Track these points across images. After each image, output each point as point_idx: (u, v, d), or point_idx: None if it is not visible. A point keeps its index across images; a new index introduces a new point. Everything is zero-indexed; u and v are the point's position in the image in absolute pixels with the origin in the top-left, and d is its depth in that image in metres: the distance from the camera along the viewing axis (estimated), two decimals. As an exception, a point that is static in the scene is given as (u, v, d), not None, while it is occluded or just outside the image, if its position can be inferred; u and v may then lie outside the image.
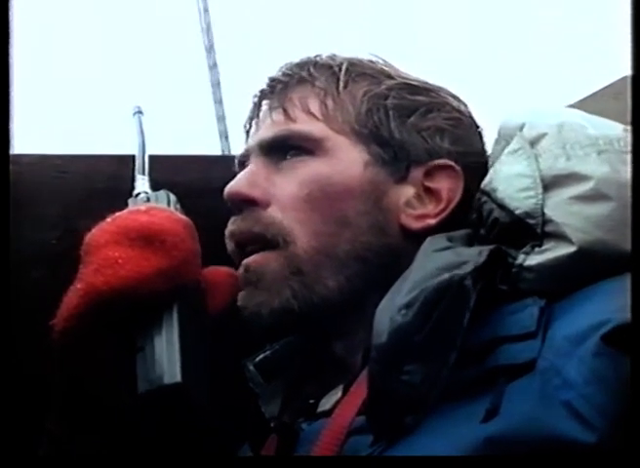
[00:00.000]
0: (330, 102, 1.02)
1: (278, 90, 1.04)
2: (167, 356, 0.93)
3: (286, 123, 1.02)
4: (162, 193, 1.05)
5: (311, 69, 1.04)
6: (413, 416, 0.82)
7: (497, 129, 1.01)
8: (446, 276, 0.84)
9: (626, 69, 0.72)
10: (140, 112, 1.15)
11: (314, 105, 1.02)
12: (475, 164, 1.01)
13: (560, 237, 0.88)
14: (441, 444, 0.80)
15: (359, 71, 1.04)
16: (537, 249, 0.89)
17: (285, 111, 1.02)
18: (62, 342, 0.94)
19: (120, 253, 0.94)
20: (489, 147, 1.04)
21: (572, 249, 0.87)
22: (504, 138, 0.98)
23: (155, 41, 1.58)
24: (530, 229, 0.89)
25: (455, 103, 1.05)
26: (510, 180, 0.92)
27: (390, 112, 1.00)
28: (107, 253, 0.94)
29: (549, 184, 0.90)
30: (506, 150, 0.96)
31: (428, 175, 1.00)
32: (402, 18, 1.83)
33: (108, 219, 0.99)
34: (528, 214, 0.90)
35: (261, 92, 1.07)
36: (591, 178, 0.89)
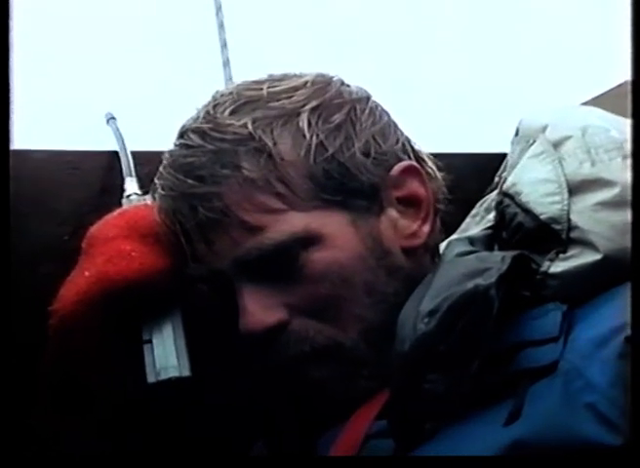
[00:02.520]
0: (280, 187, 0.90)
1: (200, 194, 0.90)
2: (176, 350, 0.94)
3: (256, 234, 0.89)
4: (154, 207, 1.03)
5: (227, 157, 0.90)
6: (434, 423, 0.82)
7: (516, 127, 0.99)
8: (470, 285, 0.82)
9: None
10: (112, 118, 1.17)
11: (270, 200, 0.90)
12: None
13: (586, 244, 0.87)
14: (464, 448, 0.79)
15: (266, 124, 0.91)
16: (561, 255, 0.87)
17: (244, 223, 0.89)
18: (63, 327, 0.94)
19: (133, 247, 0.95)
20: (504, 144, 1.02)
21: (597, 256, 0.86)
22: (525, 139, 0.96)
23: (169, 37, 1.58)
24: (555, 235, 0.88)
25: (346, 91, 0.97)
26: (535, 185, 0.91)
27: (341, 159, 0.92)
28: (119, 245, 0.95)
29: (574, 189, 0.89)
30: (529, 153, 0.94)
31: (394, 187, 0.94)
32: (408, 15, 1.83)
33: (114, 214, 1.00)
34: (553, 220, 0.88)
35: (174, 191, 0.92)
36: (617, 184, 0.88)
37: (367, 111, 0.95)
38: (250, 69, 1.11)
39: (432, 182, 0.97)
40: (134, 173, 1.10)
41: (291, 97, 0.93)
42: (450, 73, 1.75)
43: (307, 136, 0.91)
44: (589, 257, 0.86)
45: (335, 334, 0.91)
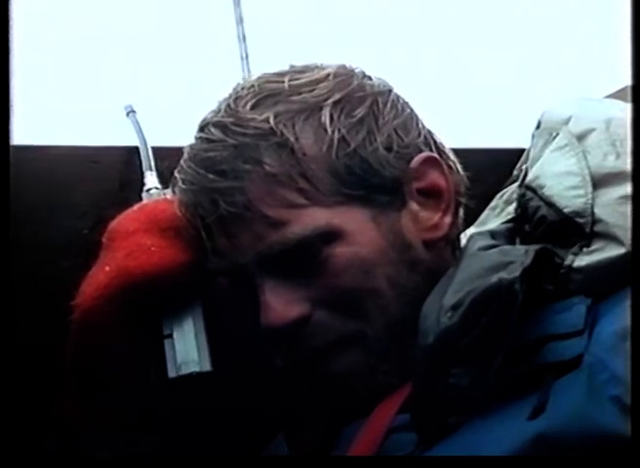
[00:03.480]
0: (302, 182, 0.90)
1: (221, 188, 0.90)
2: (197, 344, 0.94)
3: (279, 229, 0.89)
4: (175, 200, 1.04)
5: (248, 152, 0.90)
6: (457, 417, 0.81)
7: (537, 120, 0.98)
8: (494, 279, 0.81)
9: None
10: (132, 111, 1.18)
11: (292, 195, 0.89)
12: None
13: (610, 237, 0.86)
14: (488, 442, 0.79)
15: (288, 119, 0.91)
16: (585, 249, 0.87)
17: (266, 217, 0.89)
18: (84, 321, 0.94)
19: (153, 241, 0.94)
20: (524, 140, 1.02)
21: (622, 250, 0.85)
22: (547, 131, 0.96)
23: (187, 31, 1.58)
24: (578, 228, 0.87)
25: (368, 84, 0.96)
26: (559, 178, 0.90)
27: (363, 154, 0.91)
28: (139, 240, 0.94)
29: (598, 183, 0.88)
30: (552, 145, 0.93)
31: (415, 179, 0.93)
32: (424, 8, 1.82)
33: (134, 208, 0.99)
34: (577, 214, 0.88)
35: (195, 185, 0.91)
36: None
37: (389, 104, 0.95)
38: (268, 63, 1.10)
39: (453, 175, 0.96)
40: (154, 166, 1.10)
41: (313, 90, 0.93)
42: (466, 68, 1.75)
43: (329, 130, 0.91)
44: (613, 251, 0.85)
45: (359, 325, 0.90)
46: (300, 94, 0.92)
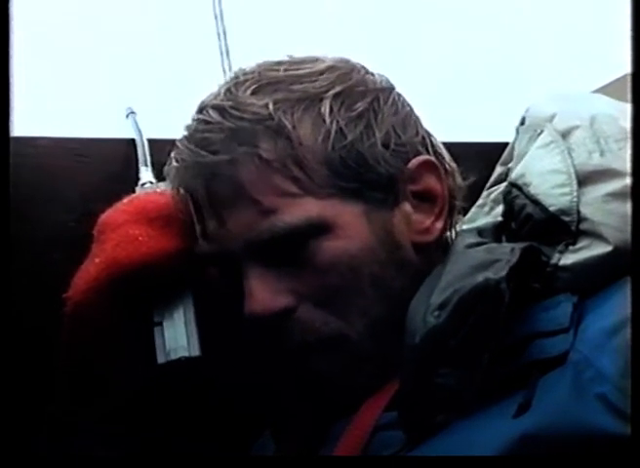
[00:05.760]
0: (297, 171, 0.89)
1: (213, 165, 0.89)
2: (187, 331, 0.95)
3: (269, 216, 0.88)
4: (168, 183, 1.04)
5: (245, 136, 0.89)
6: (444, 415, 0.81)
7: (522, 116, 0.99)
8: (480, 278, 0.81)
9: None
10: (132, 112, 1.20)
11: (285, 184, 0.89)
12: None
13: (596, 235, 0.86)
14: (476, 440, 0.79)
15: (287, 107, 0.90)
16: (571, 247, 0.87)
17: (258, 203, 0.88)
18: (76, 313, 0.94)
19: (140, 232, 0.95)
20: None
21: (608, 248, 0.85)
22: (532, 128, 0.96)
23: (168, 29, 1.59)
24: (564, 226, 0.88)
25: (370, 80, 0.96)
26: (544, 176, 0.90)
27: (360, 148, 0.91)
28: (127, 230, 0.95)
29: (584, 180, 0.89)
30: (537, 142, 0.94)
31: (411, 181, 0.93)
32: (409, 11, 1.83)
33: (124, 201, 1.00)
34: (563, 212, 0.88)
35: (186, 161, 0.92)
36: (627, 175, 0.87)
37: (390, 101, 0.94)
38: (249, 58, 1.11)
39: (449, 179, 0.96)
40: (149, 163, 1.12)
41: (314, 81, 0.92)
42: (460, 57, 1.76)
43: (327, 121, 0.90)
44: (599, 249, 0.86)
45: (341, 327, 0.89)
46: (301, 83, 0.92)
